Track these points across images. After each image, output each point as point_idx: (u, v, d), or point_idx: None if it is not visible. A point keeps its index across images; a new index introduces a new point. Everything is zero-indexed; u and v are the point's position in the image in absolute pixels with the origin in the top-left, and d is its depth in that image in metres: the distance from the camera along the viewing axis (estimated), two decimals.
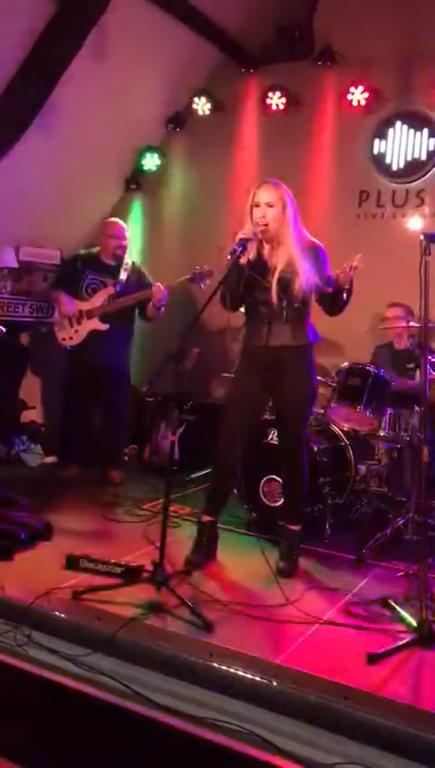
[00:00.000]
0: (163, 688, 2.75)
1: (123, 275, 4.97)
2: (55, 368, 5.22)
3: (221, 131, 6.07)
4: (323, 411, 4.49)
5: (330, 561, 3.90)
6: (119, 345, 5.02)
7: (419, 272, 3.04)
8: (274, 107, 5.81)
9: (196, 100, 6.09)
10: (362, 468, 4.52)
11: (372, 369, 4.28)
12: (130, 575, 3.33)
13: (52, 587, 3.16)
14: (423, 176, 5.35)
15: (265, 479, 4.27)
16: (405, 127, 5.38)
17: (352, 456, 4.43)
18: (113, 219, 5.16)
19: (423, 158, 5.33)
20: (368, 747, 2.43)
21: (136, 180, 6.45)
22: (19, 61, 4.77)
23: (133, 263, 5.15)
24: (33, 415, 5.93)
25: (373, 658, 2.76)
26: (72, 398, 5.18)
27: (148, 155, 6.31)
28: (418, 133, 5.33)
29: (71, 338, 4.97)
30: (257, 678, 2.64)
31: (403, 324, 4.63)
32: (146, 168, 6.35)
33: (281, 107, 5.79)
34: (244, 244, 3.41)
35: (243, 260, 3.42)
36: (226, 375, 5.00)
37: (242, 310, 3.67)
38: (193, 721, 2.62)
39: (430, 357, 3.82)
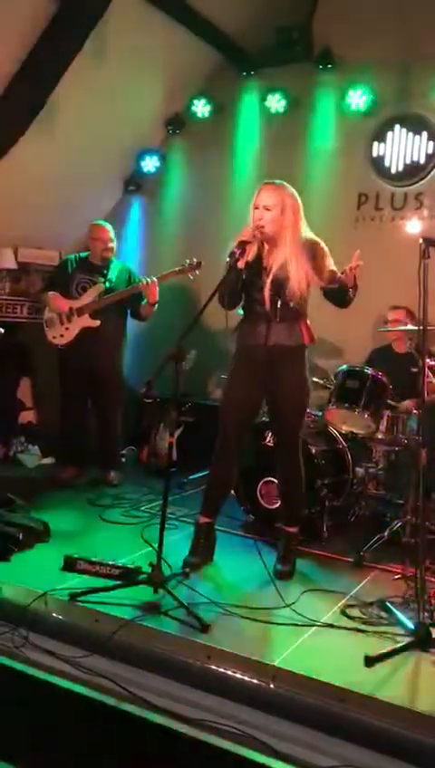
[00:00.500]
0: (160, 690, 2.75)
1: (112, 274, 4.98)
2: (52, 368, 5.21)
3: (220, 133, 6.08)
4: (321, 413, 4.50)
5: (327, 563, 3.91)
6: (110, 344, 5.01)
7: (417, 275, 3.04)
8: (273, 109, 5.82)
9: (195, 102, 6.10)
10: (360, 471, 4.52)
11: (370, 372, 4.28)
12: (128, 577, 3.34)
13: (49, 588, 3.16)
14: (422, 179, 5.35)
15: (262, 481, 4.28)
16: (404, 130, 5.39)
17: (349, 458, 4.44)
18: (99, 222, 5.16)
19: (422, 161, 5.34)
20: (365, 750, 2.43)
21: (135, 182, 6.45)
22: (19, 61, 4.78)
23: (123, 262, 5.16)
24: (30, 416, 5.93)
25: (371, 661, 2.76)
26: (66, 399, 5.17)
27: (147, 157, 6.31)
28: (417, 136, 5.34)
29: (61, 336, 4.96)
30: (255, 681, 2.64)
31: (404, 327, 4.63)
32: (145, 169, 6.35)
33: (280, 109, 5.80)
34: (242, 246, 3.42)
35: (241, 263, 3.42)
36: (224, 376, 4.99)
37: (240, 309, 3.69)
38: (190, 723, 2.61)
39: (429, 360, 3.83)
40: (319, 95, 5.72)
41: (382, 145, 5.47)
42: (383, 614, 3.21)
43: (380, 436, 4.34)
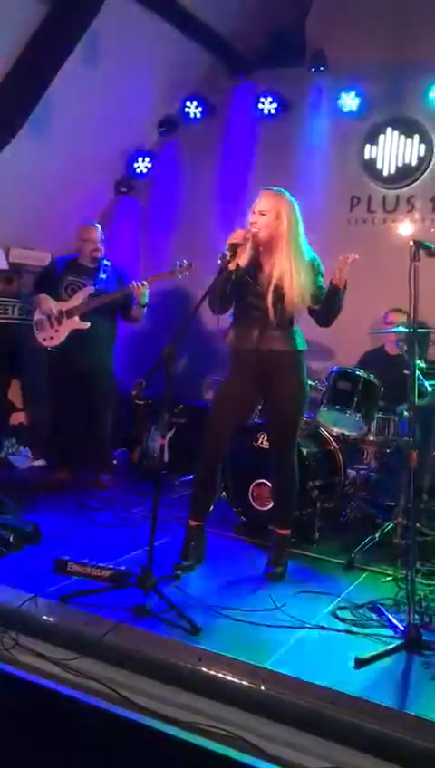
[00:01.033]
0: (151, 693, 2.74)
1: (102, 276, 4.97)
2: (43, 370, 5.20)
3: (213, 135, 6.08)
4: (313, 415, 4.50)
5: (319, 565, 3.91)
6: (101, 346, 5.00)
7: (408, 277, 3.05)
8: (266, 112, 5.82)
9: (188, 103, 6.10)
10: (352, 473, 4.53)
11: (362, 374, 4.29)
12: (119, 579, 3.33)
13: (39, 590, 3.15)
14: (414, 182, 5.37)
15: (254, 483, 4.27)
16: (396, 133, 5.41)
17: (341, 460, 4.44)
18: (89, 223, 5.15)
19: (414, 163, 5.36)
20: (355, 752, 2.43)
21: (127, 184, 6.44)
22: (10, 62, 4.76)
23: (113, 264, 5.15)
24: (21, 417, 5.91)
25: (361, 663, 2.76)
26: (57, 401, 5.16)
27: (139, 158, 6.30)
28: (409, 139, 5.36)
29: (51, 338, 4.94)
30: (245, 683, 2.63)
31: (397, 329, 4.64)
32: (137, 171, 6.35)
33: (273, 112, 5.80)
34: (233, 249, 3.42)
35: (232, 265, 3.42)
36: (216, 378, 5.00)
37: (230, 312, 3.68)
38: (181, 726, 2.61)
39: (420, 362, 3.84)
40: (312, 98, 5.73)
41: (374, 148, 5.49)
42: (374, 616, 3.21)
43: (371, 438, 4.35)
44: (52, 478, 5.11)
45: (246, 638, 2.98)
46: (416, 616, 3.01)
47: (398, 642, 2.90)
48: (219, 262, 3.42)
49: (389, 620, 3.12)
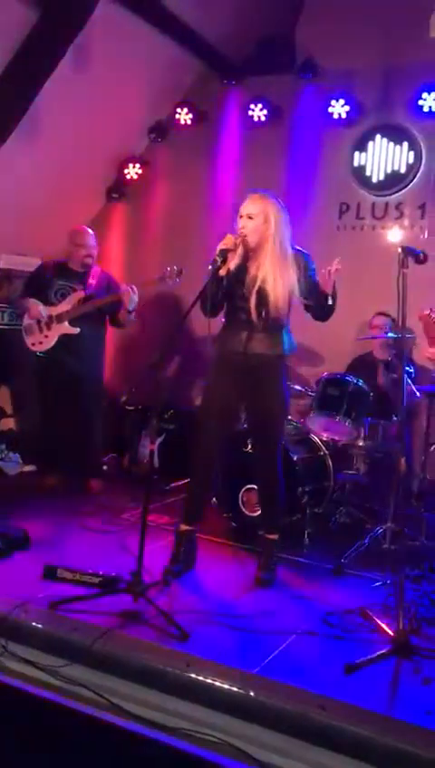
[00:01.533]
0: (139, 699, 2.74)
1: (92, 281, 4.97)
2: (32, 375, 5.18)
3: (203, 142, 6.10)
4: (302, 421, 4.51)
5: (308, 570, 3.91)
6: (90, 351, 5.00)
7: (396, 284, 3.07)
8: (256, 118, 5.84)
9: (178, 110, 6.11)
10: (341, 478, 4.54)
11: (351, 380, 4.31)
12: (108, 585, 3.32)
13: (28, 597, 3.14)
14: (403, 188, 5.39)
15: (244, 489, 4.28)
16: (385, 140, 5.43)
17: (330, 465, 4.45)
18: (81, 227, 5.15)
19: (403, 171, 5.38)
20: (344, 757, 2.43)
21: (118, 189, 6.44)
22: (0, 70, 4.76)
23: (102, 269, 5.15)
24: (11, 423, 5.89)
25: (350, 668, 2.77)
26: (46, 406, 5.14)
27: (130, 164, 6.31)
28: (398, 146, 5.38)
29: (40, 343, 4.94)
30: (234, 689, 2.63)
31: (386, 335, 4.67)
32: (128, 177, 6.36)
33: (263, 118, 5.82)
34: (224, 254, 3.43)
35: (223, 271, 3.43)
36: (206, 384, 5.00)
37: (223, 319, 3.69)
38: (169, 731, 2.61)
39: (407, 367, 3.87)
40: (301, 105, 5.76)
41: (364, 155, 5.51)
42: (363, 621, 3.21)
43: (360, 444, 4.37)
44: (41, 484, 5.10)
45: (235, 643, 2.98)
46: (405, 621, 3.01)
47: (387, 648, 2.91)
48: (210, 268, 3.43)
49: (378, 626, 3.12)
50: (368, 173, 5.50)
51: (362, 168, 5.52)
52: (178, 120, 6.14)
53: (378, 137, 5.45)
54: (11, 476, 5.48)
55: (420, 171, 5.34)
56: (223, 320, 3.69)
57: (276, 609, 3.29)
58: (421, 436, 4.45)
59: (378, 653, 2.87)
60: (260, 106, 5.80)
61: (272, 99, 5.81)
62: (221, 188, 5.99)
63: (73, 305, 4.88)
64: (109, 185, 6.45)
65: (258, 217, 3.48)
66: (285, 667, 2.78)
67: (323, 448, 4.49)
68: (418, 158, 5.32)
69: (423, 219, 5.33)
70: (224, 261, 3.44)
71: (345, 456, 4.61)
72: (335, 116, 5.53)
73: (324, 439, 4.49)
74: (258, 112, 5.82)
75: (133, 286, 4.80)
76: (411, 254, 3.14)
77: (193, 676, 2.70)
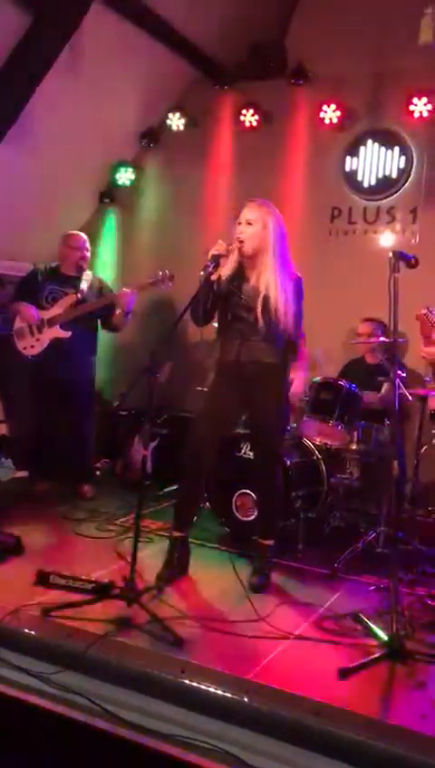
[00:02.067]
0: (134, 706, 2.72)
1: (85, 285, 4.97)
2: (24, 380, 5.17)
3: (195, 147, 6.10)
4: (295, 425, 4.51)
5: (302, 575, 3.91)
6: (81, 355, 4.99)
7: (387, 288, 3.08)
8: (247, 124, 5.85)
9: (170, 115, 6.12)
10: (334, 482, 4.54)
11: (343, 384, 4.31)
12: (101, 591, 3.30)
13: (21, 603, 3.12)
14: (394, 193, 5.41)
15: (237, 493, 4.27)
16: (376, 145, 5.45)
17: (324, 470, 4.45)
18: (75, 231, 5.15)
19: (394, 175, 5.40)
20: (339, 763, 2.42)
21: (110, 195, 6.45)
22: None
23: (94, 274, 5.15)
24: (2, 428, 5.86)
25: (345, 673, 2.76)
26: (38, 411, 5.13)
27: (122, 169, 6.31)
28: (389, 151, 5.41)
29: (32, 346, 4.92)
30: (229, 695, 2.62)
31: (375, 340, 4.68)
32: (120, 182, 6.35)
33: (254, 124, 5.84)
34: (216, 260, 3.43)
35: (214, 276, 3.43)
36: (199, 389, 5.00)
37: (215, 324, 3.69)
38: (164, 738, 2.60)
39: (399, 372, 3.87)
40: (293, 110, 5.77)
41: (355, 159, 5.53)
42: (357, 626, 3.21)
43: (353, 448, 4.38)
44: (34, 489, 5.08)
45: (230, 649, 2.97)
46: (399, 625, 3.01)
47: (382, 652, 2.91)
48: (202, 273, 3.43)
49: (372, 630, 3.12)
50: (359, 178, 5.52)
51: (353, 173, 5.54)
52: (170, 125, 6.15)
53: (369, 142, 5.47)
54: (3, 482, 5.45)
55: (412, 176, 5.36)
56: (215, 325, 3.69)
57: (270, 614, 3.28)
58: (413, 440, 4.46)
59: (372, 657, 2.86)
60: (252, 111, 5.82)
61: (263, 104, 5.82)
62: (213, 194, 6.00)
63: (65, 309, 4.87)
64: (101, 190, 6.45)
65: (257, 224, 3.48)
66: (279, 672, 2.77)
67: (317, 453, 4.49)
68: (409, 162, 5.34)
69: (415, 224, 5.35)
70: (216, 266, 3.44)
71: (339, 460, 4.61)
72: (327, 121, 5.55)
73: (318, 443, 4.49)
74: (250, 118, 5.84)
75: (125, 289, 4.80)
76: (403, 258, 3.16)
77: (187, 682, 2.69)
